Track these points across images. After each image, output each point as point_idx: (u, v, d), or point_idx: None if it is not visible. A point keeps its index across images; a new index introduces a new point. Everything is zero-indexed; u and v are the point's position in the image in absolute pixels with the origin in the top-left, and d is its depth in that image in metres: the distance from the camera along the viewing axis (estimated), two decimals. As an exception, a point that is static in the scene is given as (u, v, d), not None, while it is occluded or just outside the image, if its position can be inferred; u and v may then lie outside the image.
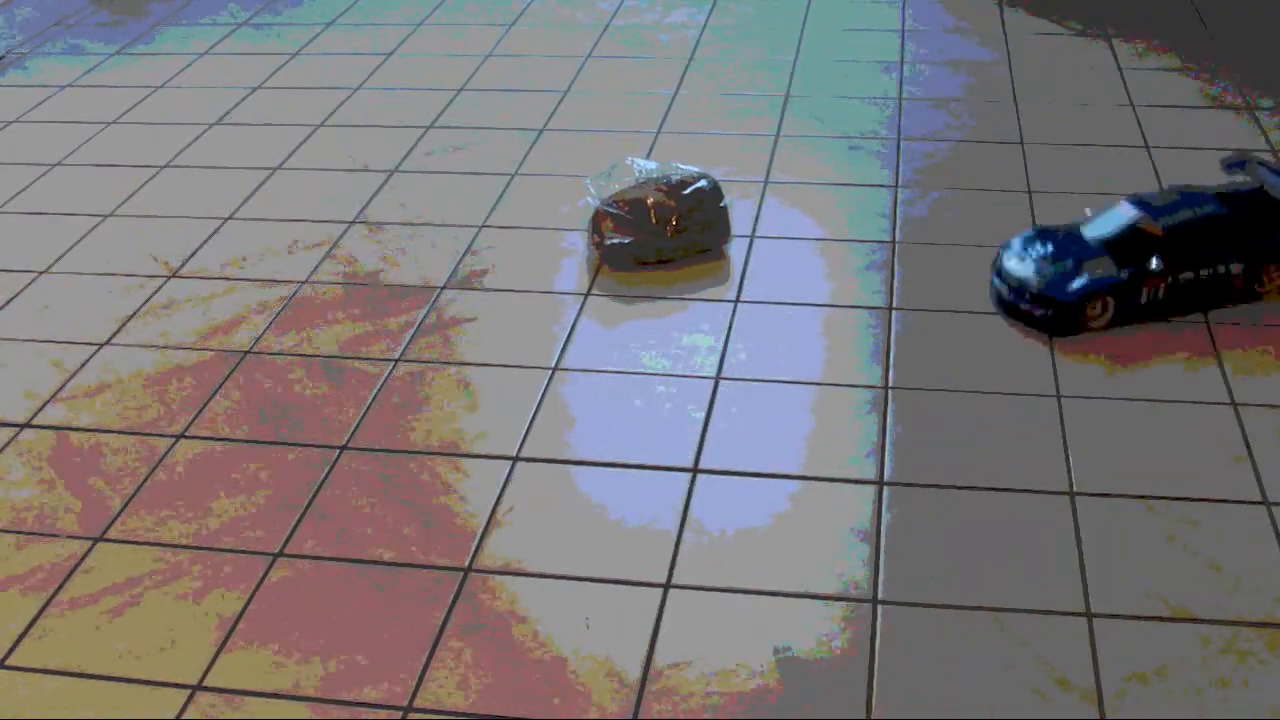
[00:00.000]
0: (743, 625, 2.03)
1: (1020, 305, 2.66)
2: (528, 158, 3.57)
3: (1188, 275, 2.61)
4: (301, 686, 1.96)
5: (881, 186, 3.32)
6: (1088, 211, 2.77)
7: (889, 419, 2.47)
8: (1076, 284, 2.56)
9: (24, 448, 2.53)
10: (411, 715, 1.90)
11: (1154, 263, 2.56)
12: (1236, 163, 2.63)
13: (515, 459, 2.42)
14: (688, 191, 3.03)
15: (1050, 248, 2.66)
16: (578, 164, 3.52)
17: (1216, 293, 2.66)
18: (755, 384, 2.59)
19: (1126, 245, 2.61)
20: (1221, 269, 2.62)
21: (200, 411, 2.60)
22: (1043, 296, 2.61)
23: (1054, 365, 2.59)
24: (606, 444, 2.45)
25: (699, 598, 2.08)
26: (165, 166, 3.65)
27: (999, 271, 2.73)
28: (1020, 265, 2.68)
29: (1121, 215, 2.65)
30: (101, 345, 2.84)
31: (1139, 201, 2.66)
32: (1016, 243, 2.74)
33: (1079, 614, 2.01)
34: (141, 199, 3.47)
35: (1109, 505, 2.23)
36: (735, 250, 3.08)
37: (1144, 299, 2.61)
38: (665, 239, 2.98)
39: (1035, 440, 2.39)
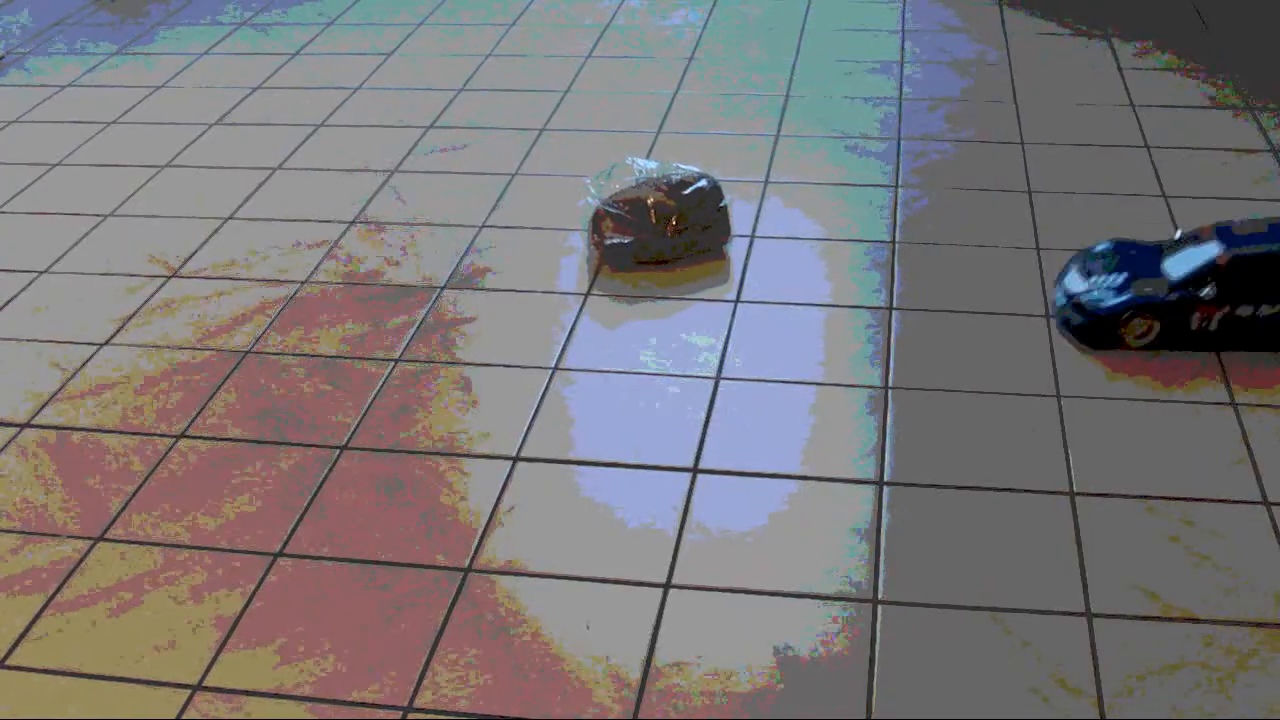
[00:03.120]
0: (743, 625, 2.03)
1: (1064, 310, 2.64)
2: (528, 158, 3.57)
3: (1246, 310, 2.49)
4: (301, 686, 1.96)
5: (881, 186, 3.32)
6: (1177, 233, 2.66)
7: (889, 419, 2.47)
8: (1117, 299, 2.52)
9: (24, 448, 2.53)
10: (411, 715, 1.90)
11: (1206, 290, 2.46)
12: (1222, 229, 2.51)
13: (515, 459, 2.42)
14: (688, 191, 3.03)
15: (1118, 259, 2.63)
16: (578, 164, 3.52)
17: (1278, 334, 2.53)
18: (755, 384, 2.59)
19: (1188, 269, 2.51)
20: None
21: (200, 411, 2.60)
22: (1082, 305, 2.59)
23: (1054, 365, 2.59)
24: (606, 444, 2.45)
25: (699, 598, 2.08)
26: (165, 166, 3.65)
27: (1061, 278, 2.70)
28: (1080, 273, 2.65)
29: (1206, 251, 2.53)
30: (101, 345, 2.84)
31: (1224, 232, 2.54)
32: (1089, 254, 2.72)
33: (1079, 614, 2.01)
34: (141, 199, 3.47)
35: (1109, 505, 2.23)
36: (735, 250, 3.08)
37: (1194, 325, 2.52)
38: (665, 239, 2.98)
39: (1035, 440, 2.39)
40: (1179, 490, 2.26)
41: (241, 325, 2.88)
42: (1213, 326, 2.52)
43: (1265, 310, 2.50)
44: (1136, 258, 2.63)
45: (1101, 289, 2.55)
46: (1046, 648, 1.96)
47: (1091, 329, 2.57)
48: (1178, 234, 2.65)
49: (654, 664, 1.96)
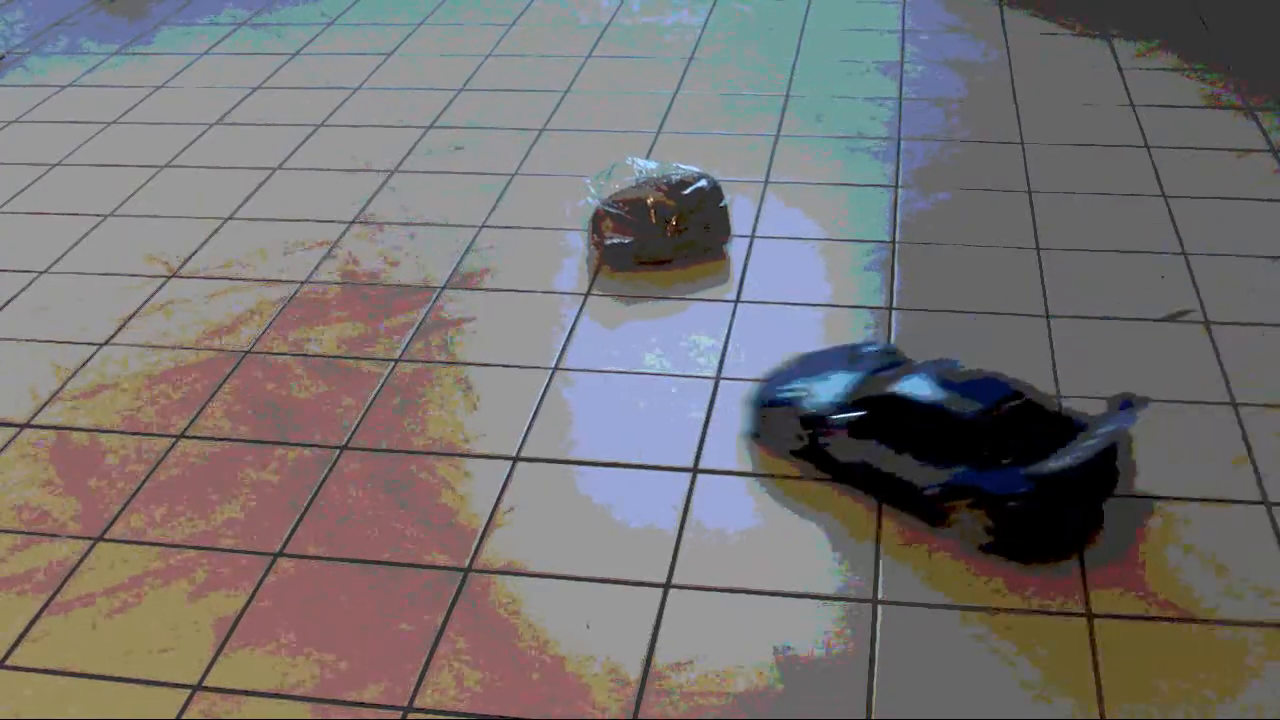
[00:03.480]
0: (743, 625, 2.03)
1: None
2: (528, 158, 3.57)
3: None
4: (301, 686, 1.96)
5: (881, 186, 3.32)
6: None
7: (889, 419, 2.47)
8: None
9: (24, 448, 2.53)
10: (411, 715, 1.90)
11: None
12: (1125, 404, 2.19)
13: (515, 459, 2.42)
14: (688, 191, 3.03)
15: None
16: (578, 164, 3.52)
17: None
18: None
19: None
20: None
21: (200, 411, 2.60)
22: (761, 398, 2.42)
23: (1054, 365, 2.59)
24: (606, 444, 2.44)
25: (699, 598, 2.08)
26: (165, 166, 3.65)
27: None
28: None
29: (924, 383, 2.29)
30: (101, 345, 2.84)
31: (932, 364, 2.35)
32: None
33: (1079, 614, 2.01)
34: (141, 199, 3.47)
35: (1108, 505, 2.23)
36: (735, 250, 3.07)
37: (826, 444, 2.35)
38: (665, 239, 2.98)
39: (1035, 440, 2.39)
40: (1179, 490, 2.26)
41: (241, 325, 2.88)
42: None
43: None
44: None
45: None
46: (1045, 648, 1.96)
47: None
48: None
49: (654, 664, 1.96)
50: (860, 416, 2.25)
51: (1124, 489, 2.26)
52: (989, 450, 2.12)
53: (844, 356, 2.48)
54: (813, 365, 2.47)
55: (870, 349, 2.49)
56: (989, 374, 2.26)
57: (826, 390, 2.36)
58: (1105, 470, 2.13)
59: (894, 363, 2.44)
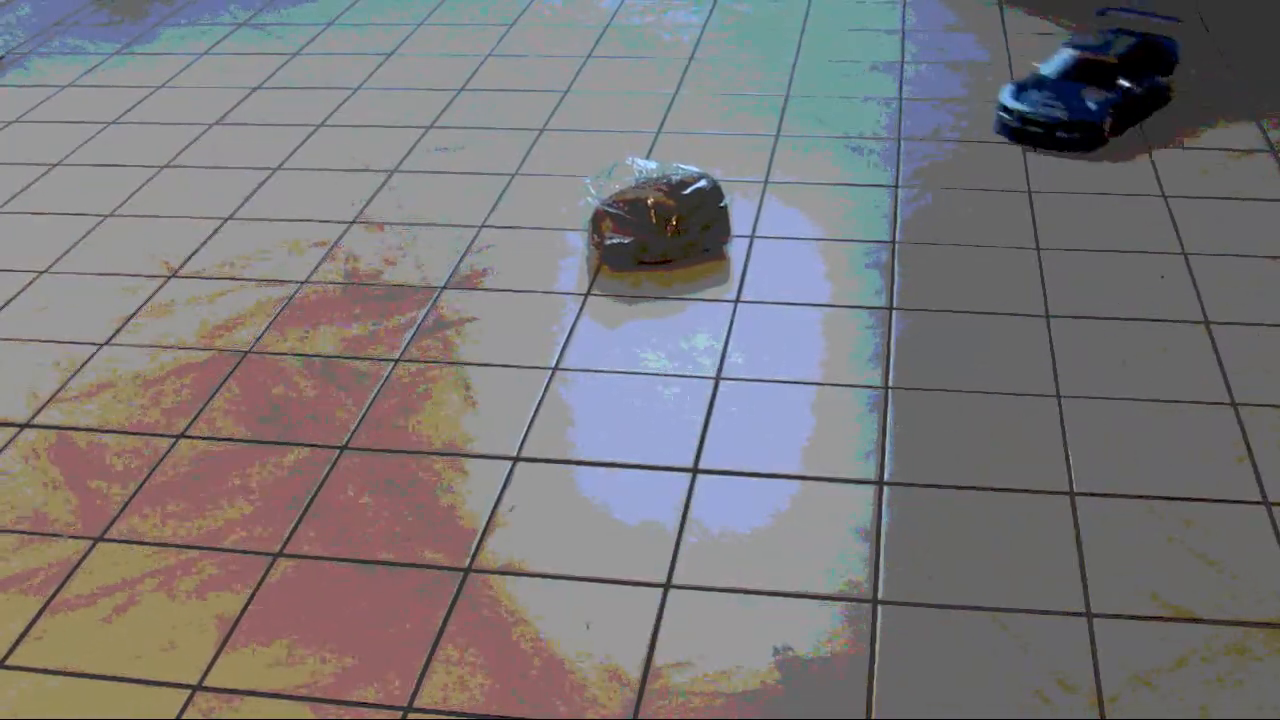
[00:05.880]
0: (743, 625, 2.03)
1: (1056, 134, 3.32)
2: (528, 158, 3.57)
3: (1135, 90, 3.38)
4: (301, 686, 1.96)
5: (881, 186, 3.32)
6: (1036, 64, 3.52)
7: (889, 419, 2.47)
8: (1096, 106, 3.28)
9: (24, 448, 2.53)
10: (411, 715, 1.90)
11: (1124, 82, 3.20)
12: (1100, 10, 3.64)
13: (515, 459, 2.42)
14: (688, 191, 3.03)
15: (1045, 92, 3.37)
16: (578, 164, 3.52)
17: (1155, 101, 3.46)
18: (755, 384, 2.59)
19: (1090, 75, 3.32)
20: (1160, 80, 3.45)
21: (200, 411, 2.60)
22: (1073, 123, 3.29)
23: (1054, 365, 2.59)
24: (607, 444, 2.45)
25: (699, 598, 2.08)
26: (165, 166, 3.65)
27: (1012, 110, 3.40)
28: (1036, 106, 3.34)
29: (1068, 54, 3.44)
30: (101, 345, 2.84)
31: (1079, 45, 3.45)
32: (1017, 89, 3.45)
33: (1079, 614, 2.01)
34: (141, 199, 3.47)
35: (1109, 505, 2.23)
36: (735, 250, 3.08)
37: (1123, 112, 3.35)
38: (665, 239, 2.98)
39: (1035, 440, 2.39)
40: (1179, 490, 2.26)
41: (241, 325, 2.88)
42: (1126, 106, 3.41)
43: (1144, 85, 3.46)
44: (1050, 84, 3.45)
45: (1077, 108, 3.36)
46: (1046, 648, 1.96)
47: (1087, 139, 3.34)
48: (1036, 65, 3.66)
49: (654, 664, 1.96)
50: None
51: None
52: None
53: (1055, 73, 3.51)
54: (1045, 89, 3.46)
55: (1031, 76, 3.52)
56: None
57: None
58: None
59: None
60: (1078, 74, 3.37)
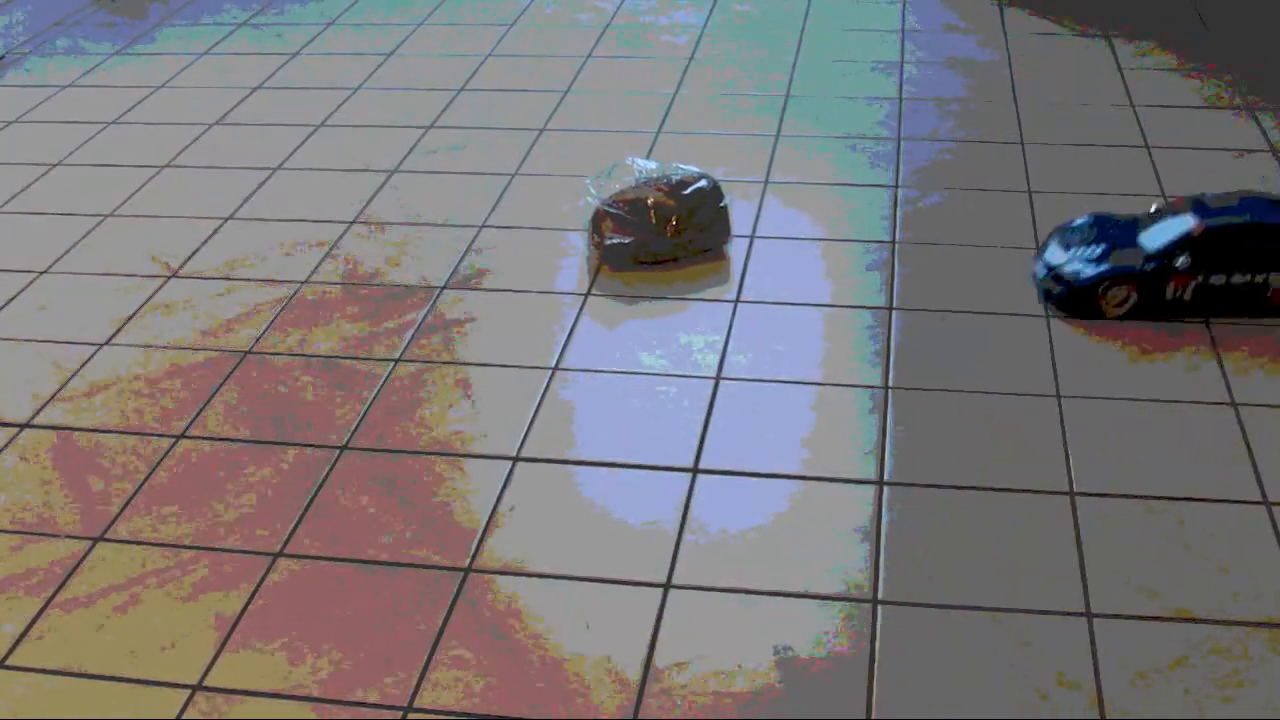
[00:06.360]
0: (743, 625, 2.03)
1: (1044, 282, 2.76)
2: (528, 158, 3.57)
3: (1219, 279, 2.60)
4: (301, 686, 1.96)
5: (881, 186, 3.32)
6: (1153, 206, 2.80)
7: (889, 419, 2.47)
8: (1095, 270, 2.64)
9: (24, 448, 2.53)
10: (411, 715, 1.90)
11: (1181, 260, 2.58)
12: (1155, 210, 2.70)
13: (515, 459, 2.42)
14: (688, 191, 3.03)
15: (1096, 232, 2.75)
16: (578, 164, 3.52)
17: (1250, 302, 2.65)
18: (755, 384, 2.59)
19: (1164, 240, 2.65)
20: (1260, 278, 2.61)
21: (200, 411, 2.60)
22: (1062, 276, 2.70)
23: (1054, 365, 2.59)
24: (606, 444, 2.45)
25: (699, 598, 2.08)
26: (165, 166, 3.65)
27: (1042, 251, 2.83)
28: (1060, 246, 2.78)
29: (1182, 223, 2.65)
30: (101, 345, 2.84)
31: (1198, 205, 2.67)
32: (1068, 228, 2.84)
33: (1079, 614, 2.01)
34: (141, 199, 3.47)
35: (1109, 505, 2.23)
36: (735, 250, 3.08)
37: (1169, 295, 2.64)
38: (665, 239, 2.98)
39: (1035, 440, 2.39)
40: (1179, 490, 2.26)
41: (241, 325, 2.88)
42: (1187, 296, 2.63)
43: (1236, 279, 2.61)
44: (1114, 231, 2.75)
45: (1081, 260, 2.67)
46: (1046, 648, 1.96)
47: (1071, 299, 2.68)
48: (1153, 208, 2.77)
49: (654, 664, 1.96)
50: (1193, 256, 2.53)
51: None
52: None
53: (1080, 238, 2.74)
54: (1066, 240, 2.75)
55: (1077, 223, 2.79)
56: (1244, 192, 2.64)
57: (1119, 257, 2.65)
58: None
59: (1125, 222, 2.75)
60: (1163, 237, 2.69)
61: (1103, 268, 2.63)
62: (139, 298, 3.01)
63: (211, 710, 1.92)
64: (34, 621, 2.11)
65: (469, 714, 1.90)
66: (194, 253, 3.19)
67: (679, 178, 3.07)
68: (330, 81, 4.14)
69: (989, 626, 2.00)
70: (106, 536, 2.28)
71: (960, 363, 2.61)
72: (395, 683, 1.96)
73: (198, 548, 2.25)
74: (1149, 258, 2.62)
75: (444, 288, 2.98)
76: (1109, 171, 3.32)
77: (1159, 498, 2.24)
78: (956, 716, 1.86)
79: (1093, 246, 2.67)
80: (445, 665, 1.98)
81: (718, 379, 2.61)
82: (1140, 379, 2.54)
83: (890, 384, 2.57)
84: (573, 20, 4.53)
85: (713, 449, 2.42)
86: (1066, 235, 2.80)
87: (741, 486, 2.32)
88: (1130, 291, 2.62)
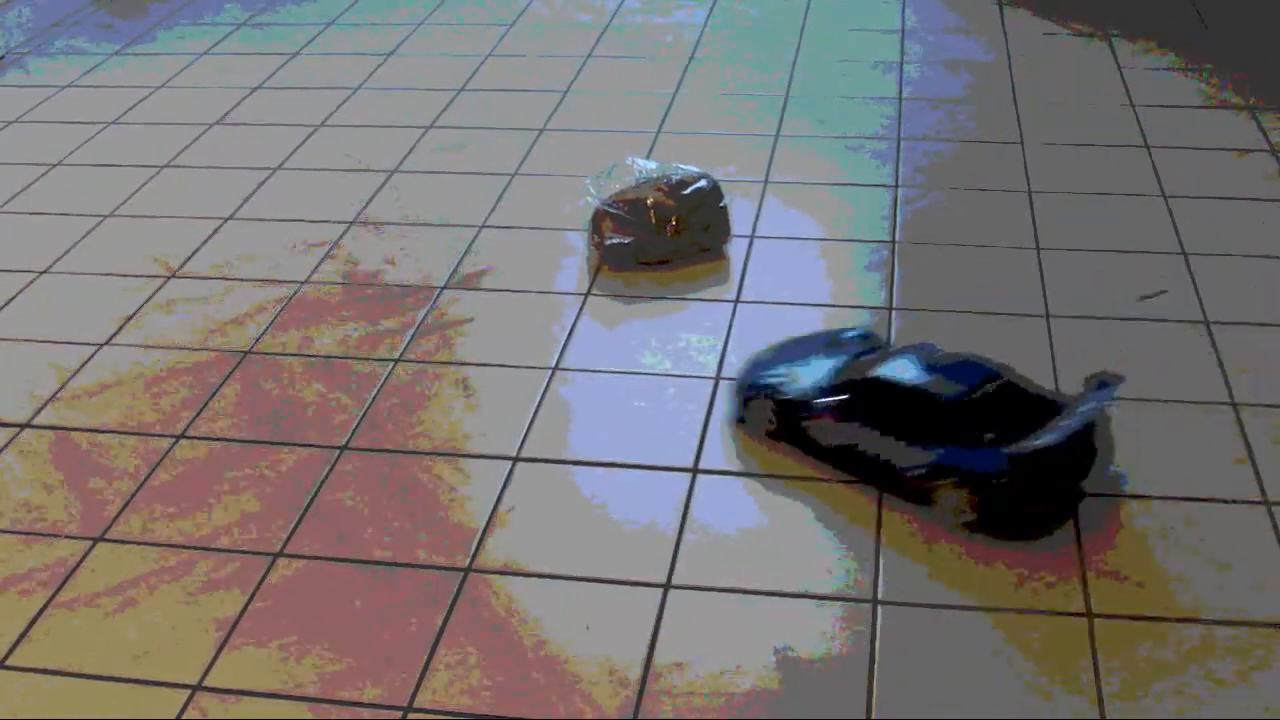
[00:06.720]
0: (743, 625, 2.03)
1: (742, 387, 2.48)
2: (528, 158, 3.57)
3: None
4: (301, 686, 1.96)
5: (881, 186, 3.32)
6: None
7: (889, 419, 2.47)
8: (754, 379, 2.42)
9: (24, 448, 2.53)
10: (411, 715, 1.90)
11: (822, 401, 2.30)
12: (1102, 383, 2.20)
13: (515, 459, 2.42)
14: (688, 191, 3.03)
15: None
16: (578, 164, 3.52)
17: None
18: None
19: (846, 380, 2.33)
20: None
21: (200, 411, 2.60)
22: (742, 383, 2.45)
23: (1054, 365, 2.59)
24: (607, 444, 2.44)
25: (699, 598, 2.08)
26: (165, 166, 3.65)
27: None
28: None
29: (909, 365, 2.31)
30: (101, 345, 2.84)
31: (918, 348, 2.36)
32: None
33: (1079, 614, 2.01)
34: (141, 199, 3.47)
35: (1109, 505, 2.23)
36: (735, 250, 3.07)
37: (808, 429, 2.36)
38: (665, 239, 2.98)
39: (1035, 440, 2.39)
40: (1179, 490, 2.26)
41: (241, 325, 2.88)
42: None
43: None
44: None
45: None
46: (1046, 648, 1.96)
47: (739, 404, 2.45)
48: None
49: (654, 664, 1.96)
50: (844, 400, 2.28)
51: (1102, 467, 2.27)
52: (971, 430, 2.15)
53: (824, 342, 2.51)
54: (794, 351, 2.51)
55: (850, 334, 2.53)
56: (969, 356, 2.30)
57: (808, 375, 2.40)
58: (1084, 448, 2.15)
59: (873, 348, 2.47)
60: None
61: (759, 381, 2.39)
62: (139, 298, 3.01)
63: (211, 710, 1.92)
64: (34, 621, 2.11)
65: (469, 714, 1.90)
66: (194, 253, 3.19)
67: (679, 178, 3.07)
68: (330, 81, 4.14)
69: (989, 627, 2.00)
70: (106, 536, 2.28)
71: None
72: (395, 683, 1.96)
73: (197, 548, 2.25)
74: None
75: (444, 288, 2.98)
76: (1109, 171, 3.32)
77: (1159, 498, 2.24)
78: (956, 717, 1.86)
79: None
80: (445, 665, 1.98)
81: (718, 379, 2.61)
82: (1140, 379, 2.54)
83: (890, 384, 2.56)
84: (573, 20, 4.53)
85: (712, 449, 2.42)
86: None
87: (741, 486, 2.32)
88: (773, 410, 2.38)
